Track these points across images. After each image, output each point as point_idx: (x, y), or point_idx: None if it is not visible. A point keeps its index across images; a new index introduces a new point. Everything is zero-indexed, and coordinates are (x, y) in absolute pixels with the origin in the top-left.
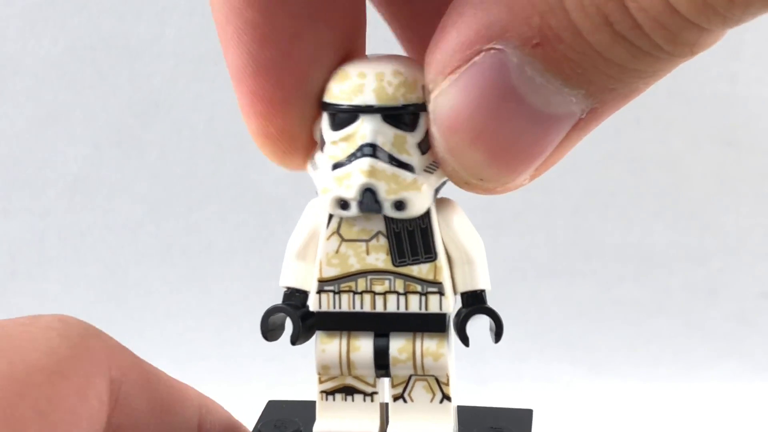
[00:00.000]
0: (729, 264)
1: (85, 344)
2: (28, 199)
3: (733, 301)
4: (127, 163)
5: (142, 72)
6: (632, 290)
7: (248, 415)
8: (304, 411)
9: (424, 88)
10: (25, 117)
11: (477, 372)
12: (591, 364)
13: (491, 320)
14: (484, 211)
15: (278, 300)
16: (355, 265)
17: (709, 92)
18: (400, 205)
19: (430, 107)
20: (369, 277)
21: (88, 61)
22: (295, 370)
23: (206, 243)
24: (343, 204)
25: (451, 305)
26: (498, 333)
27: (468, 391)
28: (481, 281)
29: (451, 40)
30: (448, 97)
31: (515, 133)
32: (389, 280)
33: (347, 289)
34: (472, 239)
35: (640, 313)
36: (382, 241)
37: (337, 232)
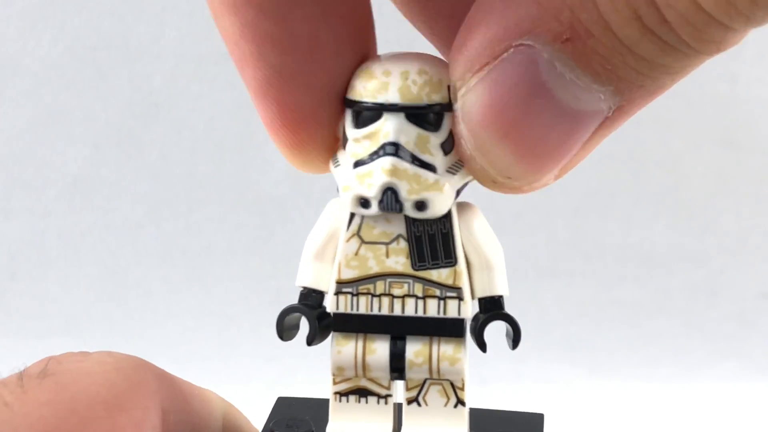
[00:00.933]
0: (729, 264)
1: (139, 377)
2: (28, 199)
3: (733, 302)
4: (127, 163)
5: (142, 72)
6: (632, 291)
7: (249, 415)
8: (314, 410)
9: (449, 87)
10: (25, 117)
11: (477, 373)
12: (591, 365)
13: (509, 326)
14: (484, 212)
15: (279, 299)
16: (374, 268)
17: (709, 93)
18: (421, 205)
19: (458, 104)
20: (388, 280)
21: (88, 61)
22: (295, 370)
23: (206, 243)
24: (364, 202)
25: (470, 310)
26: (516, 339)
27: (467, 393)
28: (499, 287)
29: (479, 36)
30: (476, 94)
31: (544, 130)
32: (408, 283)
33: (365, 291)
34: (492, 245)
35: (640, 313)
36: (403, 244)
37: (358, 234)
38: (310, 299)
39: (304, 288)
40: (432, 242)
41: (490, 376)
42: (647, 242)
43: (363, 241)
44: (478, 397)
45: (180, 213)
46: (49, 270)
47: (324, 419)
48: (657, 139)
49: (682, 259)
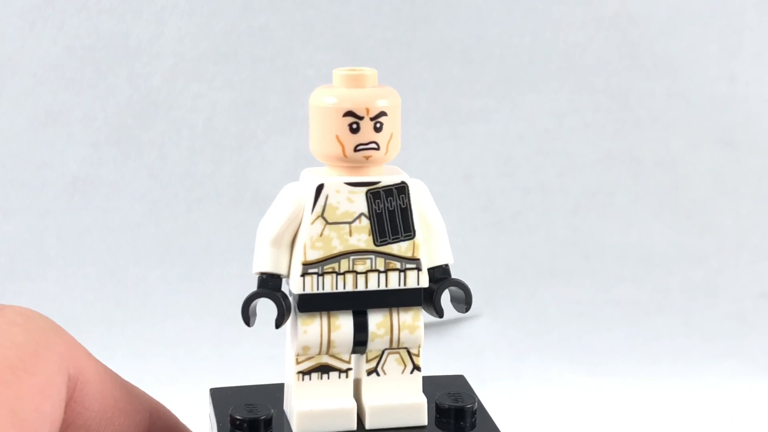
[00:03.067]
0: (728, 264)
1: (46, 340)
2: (27, 199)
3: (733, 301)
4: (126, 162)
5: (141, 72)
6: (631, 290)
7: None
8: (257, 395)
9: None
10: (24, 116)
11: (477, 372)
12: (590, 364)
13: (461, 291)
14: (484, 211)
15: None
16: (338, 247)
17: (708, 92)
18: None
19: None
20: (351, 257)
21: (86, 60)
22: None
23: (205, 243)
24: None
25: (427, 280)
26: (468, 302)
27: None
28: (446, 255)
29: None
30: None
31: None
32: (371, 259)
33: (330, 270)
34: (437, 217)
35: (639, 313)
36: (365, 222)
37: (322, 215)
38: (271, 284)
39: (263, 274)
40: (392, 218)
41: (490, 375)
42: (646, 242)
43: (327, 222)
44: (478, 395)
45: (179, 212)
46: (48, 270)
47: (272, 403)
48: (656, 139)
49: (681, 258)
